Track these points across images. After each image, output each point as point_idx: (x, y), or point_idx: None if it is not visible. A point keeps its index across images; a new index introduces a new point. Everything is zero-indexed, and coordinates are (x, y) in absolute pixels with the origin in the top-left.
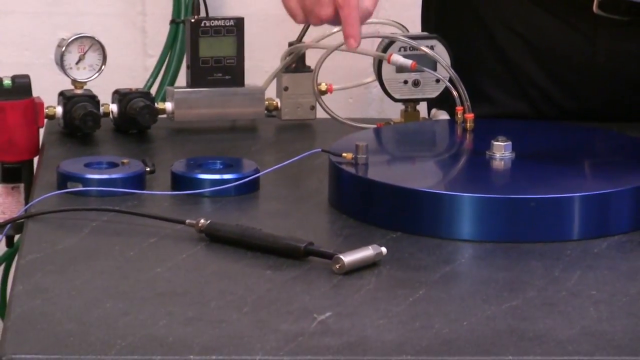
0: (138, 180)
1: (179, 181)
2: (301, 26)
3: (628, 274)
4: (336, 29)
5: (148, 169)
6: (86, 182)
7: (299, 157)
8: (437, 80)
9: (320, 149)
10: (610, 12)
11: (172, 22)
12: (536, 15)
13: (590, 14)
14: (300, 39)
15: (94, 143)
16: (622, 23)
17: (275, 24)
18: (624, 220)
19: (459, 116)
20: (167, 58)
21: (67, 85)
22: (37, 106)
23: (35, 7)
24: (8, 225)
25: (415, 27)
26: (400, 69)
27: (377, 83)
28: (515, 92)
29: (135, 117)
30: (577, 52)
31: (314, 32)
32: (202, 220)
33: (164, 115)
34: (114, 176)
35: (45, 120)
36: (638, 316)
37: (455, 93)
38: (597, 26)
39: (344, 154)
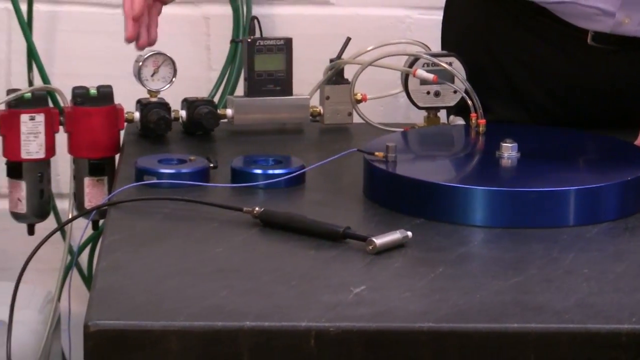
0: (203, 175)
1: (237, 175)
2: (340, 45)
3: (615, 255)
4: (371, 47)
5: (211, 164)
6: (159, 175)
7: (338, 155)
8: (455, 91)
9: (356, 149)
10: (602, 44)
11: (232, 41)
12: (539, 47)
13: (585, 45)
14: (339, 56)
15: (166, 143)
16: (612, 51)
17: (319, 43)
18: (612, 209)
19: (473, 122)
20: (228, 71)
21: (143, 94)
22: (118, 112)
23: (117, 28)
24: (94, 212)
25: (437, 47)
26: (424, 81)
27: (404, 93)
28: (520, 112)
29: (201, 121)
30: (574, 77)
31: (351, 50)
32: (256, 208)
33: (225, 120)
34: (182, 171)
35: (125, 123)
36: (623, 291)
37: (470, 102)
38: (592, 55)
39: (376, 153)
